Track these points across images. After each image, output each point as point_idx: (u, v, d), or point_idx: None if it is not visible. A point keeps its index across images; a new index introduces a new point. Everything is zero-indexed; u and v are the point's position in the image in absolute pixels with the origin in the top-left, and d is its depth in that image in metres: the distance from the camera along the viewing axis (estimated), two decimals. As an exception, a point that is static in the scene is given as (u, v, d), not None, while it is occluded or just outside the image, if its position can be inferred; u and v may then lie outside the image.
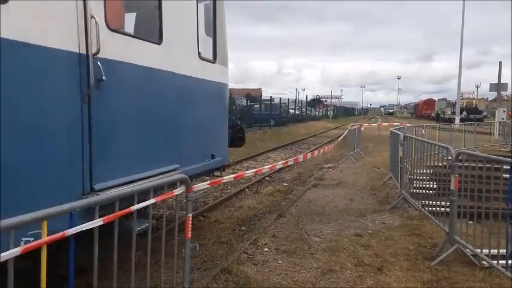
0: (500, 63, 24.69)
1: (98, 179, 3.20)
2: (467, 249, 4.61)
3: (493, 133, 19.48)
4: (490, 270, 4.29)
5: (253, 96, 41.98)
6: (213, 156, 5.42)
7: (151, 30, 4.24)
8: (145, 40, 3.96)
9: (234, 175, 5.53)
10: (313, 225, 6.18)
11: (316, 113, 58.22)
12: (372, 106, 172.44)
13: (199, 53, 5.08)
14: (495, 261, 4.14)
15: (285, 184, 10.33)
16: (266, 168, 6.99)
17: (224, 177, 5.10)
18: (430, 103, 74.31)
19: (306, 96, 75.54)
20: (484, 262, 4.35)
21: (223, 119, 6.14)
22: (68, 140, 2.99)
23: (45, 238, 2.01)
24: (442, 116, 56.02)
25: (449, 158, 4.94)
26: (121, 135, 3.58)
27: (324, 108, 69.83)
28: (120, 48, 3.53)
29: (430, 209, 5.90)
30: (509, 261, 3.96)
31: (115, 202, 2.56)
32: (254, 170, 6.60)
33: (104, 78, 3.21)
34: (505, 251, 4.08)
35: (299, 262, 4.73)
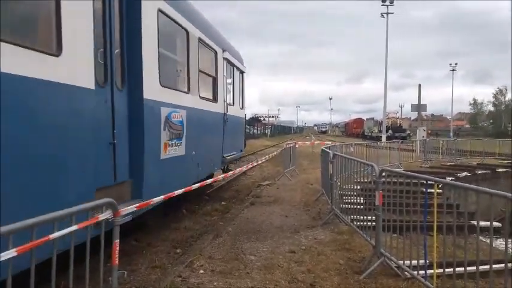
0: (419, 86, 26.90)
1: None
2: (392, 262, 4.89)
3: (415, 150, 21.06)
4: (412, 281, 4.58)
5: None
6: (241, 150, 12.42)
7: (215, 92, 9.19)
8: (212, 101, 8.88)
9: (163, 196, 5.36)
10: (249, 244, 6.18)
11: (255, 131, 59.08)
12: (306, 125, 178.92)
13: (242, 104, 12.39)
14: (416, 272, 4.43)
15: (223, 203, 10.27)
16: (179, 191, 6.12)
17: (154, 199, 4.93)
18: (359, 122, 79.01)
19: (245, 114, 76.48)
20: (406, 273, 4.64)
21: (243, 133, 13.27)
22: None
23: None
24: (370, 134, 59.65)
25: (374, 174, 5.26)
26: (231, 138, 10.44)
27: (262, 127, 71.09)
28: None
29: (359, 223, 6.20)
30: (428, 271, 4.26)
31: (32, 230, 2.38)
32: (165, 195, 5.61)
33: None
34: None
35: (234, 282, 4.69)
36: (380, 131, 46.32)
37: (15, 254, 2.24)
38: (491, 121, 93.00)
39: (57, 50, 3.58)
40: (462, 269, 3.86)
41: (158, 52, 5.78)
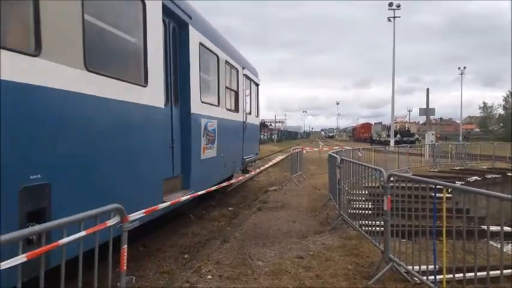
0: (427, 89, 26.73)
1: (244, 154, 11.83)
2: (401, 267, 4.84)
3: (424, 154, 20.88)
4: (421, 286, 4.53)
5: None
6: (256, 153, 13.95)
7: (237, 104, 10.81)
8: (234, 111, 10.40)
9: (169, 202, 5.40)
10: (257, 249, 6.17)
11: (262, 136, 59.16)
12: (313, 130, 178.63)
13: (255, 113, 13.65)
14: (425, 277, 4.38)
15: (230, 208, 10.28)
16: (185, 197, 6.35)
17: (159, 206, 4.97)
18: (367, 127, 78.68)
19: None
20: (415, 279, 4.59)
21: (258, 138, 15.08)
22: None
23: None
24: (378, 138, 59.32)
25: (382, 179, 5.23)
26: (249, 142, 12.35)
27: (269, 132, 71.12)
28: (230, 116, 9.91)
29: (367, 228, 6.16)
30: (437, 277, 4.21)
31: (41, 236, 2.40)
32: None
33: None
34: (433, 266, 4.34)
35: (242, 288, 4.68)
36: (388, 136, 46.04)
37: (25, 259, 2.26)
38: (501, 124, 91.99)
39: (144, 82, 5.30)
40: (472, 274, 3.82)
41: (199, 76, 7.43)
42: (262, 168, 14.36)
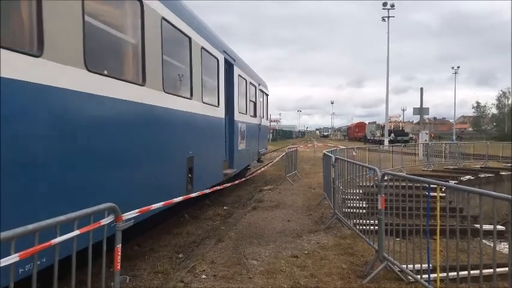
0: (421, 89, 26.83)
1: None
2: (395, 266, 4.86)
3: (418, 154, 21.00)
4: (415, 285, 4.55)
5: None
6: (266, 148, 18.02)
7: (255, 111, 14.64)
8: (254, 117, 14.25)
9: (162, 202, 5.36)
10: (251, 249, 6.17)
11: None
12: (308, 129, 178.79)
13: (266, 117, 18.22)
14: (419, 276, 4.41)
15: (225, 208, 10.26)
16: (179, 199, 6.31)
17: (153, 205, 4.96)
18: (361, 126, 78.94)
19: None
20: (409, 277, 4.62)
21: (267, 137, 20.69)
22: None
23: None
24: (372, 138, 59.54)
25: (376, 178, 5.25)
26: (262, 140, 16.73)
27: (264, 131, 70.99)
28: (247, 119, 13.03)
29: (362, 227, 6.18)
30: (431, 275, 4.23)
31: (35, 234, 2.38)
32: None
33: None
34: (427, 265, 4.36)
35: (237, 287, 4.67)
36: (382, 135, 46.24)
37: (17, 259, 2.24)
38: (494, 124, 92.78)
39: (218, 105, 9.11)
40: (465, 272, 3.84)
41: (238, 95, 11.38)
42: (262, 168, 14.65)
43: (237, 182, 10.34)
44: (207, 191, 7.78)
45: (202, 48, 7.89)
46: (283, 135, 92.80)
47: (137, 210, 4.12)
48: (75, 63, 3.78)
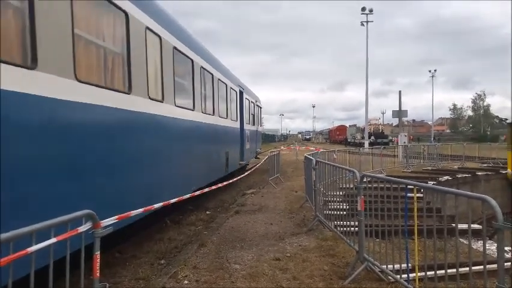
0: (399, 92, 27.33)
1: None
2: (376, 266, 4.93)
3: (398, 155, 21.38)
4: (395, 284, 4.63)
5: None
6: (260, 148, 25.12)
7: (254, 121, 20.90)
8: (253, 125, 20.65)
9: (142, 209, 5.30)
10: (234, 253, 6.16)
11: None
12: (290, 133, 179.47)
13: (260, 124, 25.80)
14: (399, 276, 4.48)
15: (207, 212, 10.22)
16: (158, 205, 6.06)
17: (132, 212, 4.91)
18: (342, 129, 79.87)
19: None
20: (389, 277, 4.69)
21: (260, 140, 26.16)
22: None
23: None
24: (353, 140, 60.27)
25: (356, 180, 5.32)
26: (258, 142, 23.90)
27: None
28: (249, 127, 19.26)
29: (343, 229, 6.24)
30: (410, 275, 4.31)
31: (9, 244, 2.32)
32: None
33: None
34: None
35: (219, 292, 4.66)
36: (363, 138, 46.89)
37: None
38: (471, 126, 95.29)
39: (236, 119, 15.58)
40: (443, 271, 3.93)
41: (245, 111, 17.08)
42: (246, 173, 14.86)
43: (220, 185, 10.27)
44: (188, 195, 7.72)
45: (231, 88, 14.40)
46: (266, 139, 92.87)
47: (116, 217, 4.06)
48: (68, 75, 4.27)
